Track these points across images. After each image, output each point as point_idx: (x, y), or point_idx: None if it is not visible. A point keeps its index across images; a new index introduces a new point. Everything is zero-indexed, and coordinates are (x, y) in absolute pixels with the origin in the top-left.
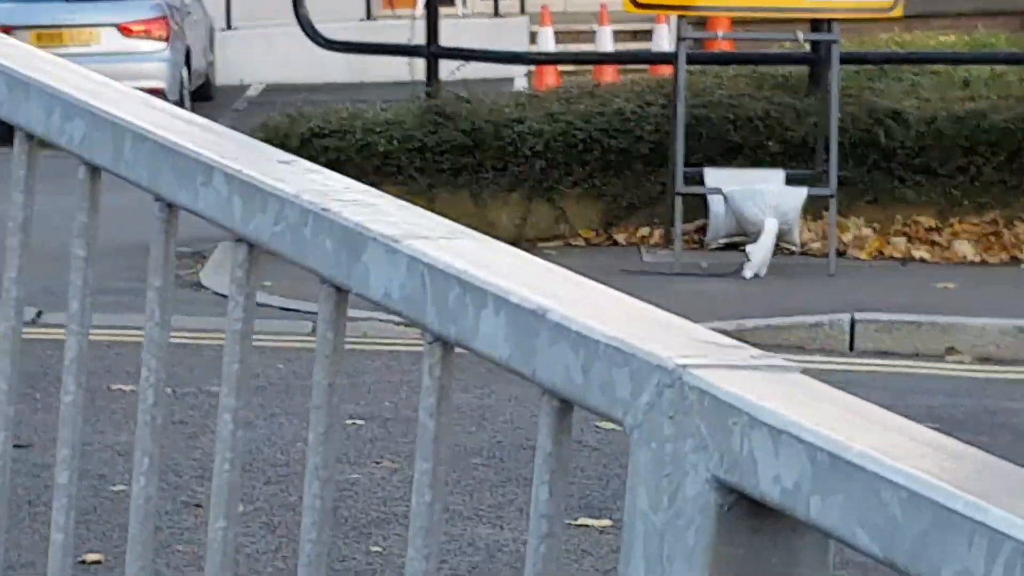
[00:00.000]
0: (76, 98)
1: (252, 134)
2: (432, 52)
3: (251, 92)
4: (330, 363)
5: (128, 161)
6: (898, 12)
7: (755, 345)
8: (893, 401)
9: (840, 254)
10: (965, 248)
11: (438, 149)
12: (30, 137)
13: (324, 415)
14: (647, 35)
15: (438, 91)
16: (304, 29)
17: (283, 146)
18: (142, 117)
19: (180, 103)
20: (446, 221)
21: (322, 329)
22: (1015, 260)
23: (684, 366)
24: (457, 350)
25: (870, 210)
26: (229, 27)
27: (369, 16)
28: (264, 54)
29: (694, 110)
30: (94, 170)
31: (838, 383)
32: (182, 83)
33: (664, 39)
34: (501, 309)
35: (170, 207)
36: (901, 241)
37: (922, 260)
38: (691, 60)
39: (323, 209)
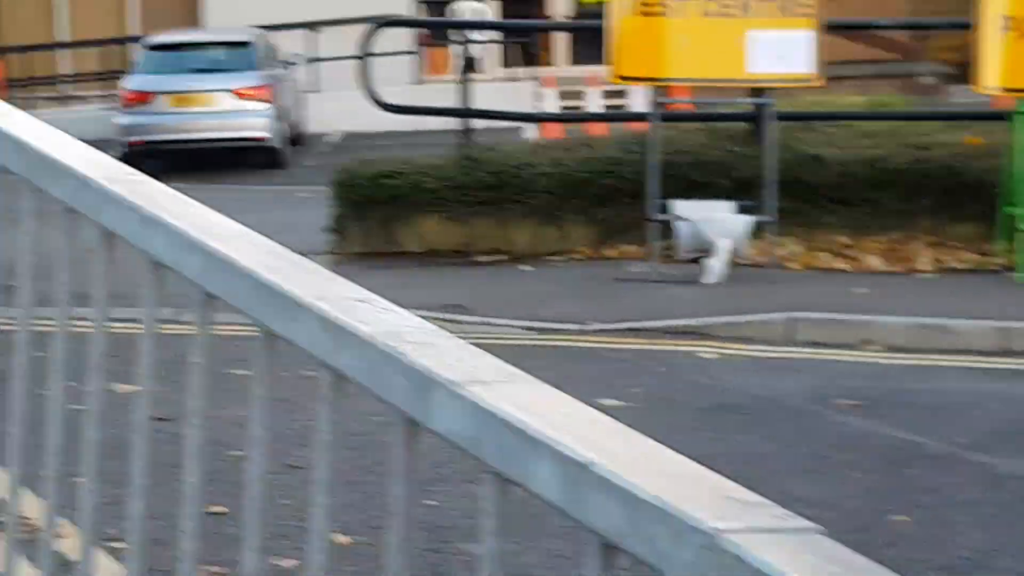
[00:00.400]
0: (193, 236)
1: (335, 174)
2: (466, 112)
3: (332, 139)
4: (405, 488)
5: (236, 293)
6: (819, 81)
7: (716, 337)
8: (825, 382)
9: (778, 266)
10: (874, 261)
11: (472, 186)
12: (157, 265)
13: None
14: (623, 95)
15: (471, 141)
16: (368, 97)
17: (356, 185)
18: (247, 255)
19: (280, 148)
20: (502, 364)
21: (398, 455)
22: (912, 270)
23: (721, 531)
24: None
25: (800, 232)
26: (314, 91)
27: (417, 80)
28: (341, 110)
29: (665, 156)
30: (209, 297)
31: (781, 368)
32: (280, 132)
33: (638, 98)
34: (552, 457)
35: (269, 335)
36: (825, 256)
37: (841, 270)
38: (662, 118)
39: (398, 352)
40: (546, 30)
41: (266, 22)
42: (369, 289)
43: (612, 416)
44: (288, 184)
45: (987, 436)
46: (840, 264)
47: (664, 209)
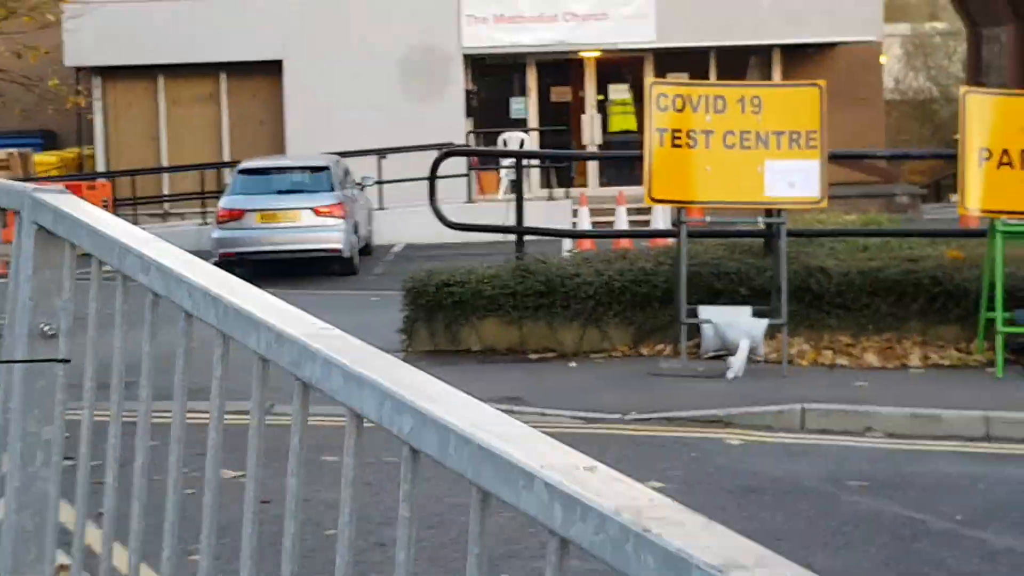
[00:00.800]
0: (405, 397)
1: (406, 282)
2: (520, 230)
3: (396, 249)
4: None
5: (453, 455)
6: (824, 203)
7: (738, 425)
8: (835, 466)
9: (789, 363)
10: (871, 358)
11: (524, 293)
12: (358, 417)
13: None
14: (647, 212)
15: (523, 254)
16: (436, 215)
17: (424, 292)
18: (464, 419)
19: (352, 258)
20: (755, 546)
21: None
22: (904, 366)
23: None
24: None
25: (807, 332)
26: (381, 208)
27: (470, 199)
28: (404, 224)
29: (691, 267)
30: (415, 453)
31: (797, 452)
32: (352, 245)
33: (660, 215)
34: None
35: (485, 496)
36: (828, 353)
37: (843, 366)
38: (689, 234)
39: (644, 530)
40: (580, 159)
41: (341, 149)
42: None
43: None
44: (360, 289)
45: (980, 514)
46: (842, 360)
47: (692, 313)
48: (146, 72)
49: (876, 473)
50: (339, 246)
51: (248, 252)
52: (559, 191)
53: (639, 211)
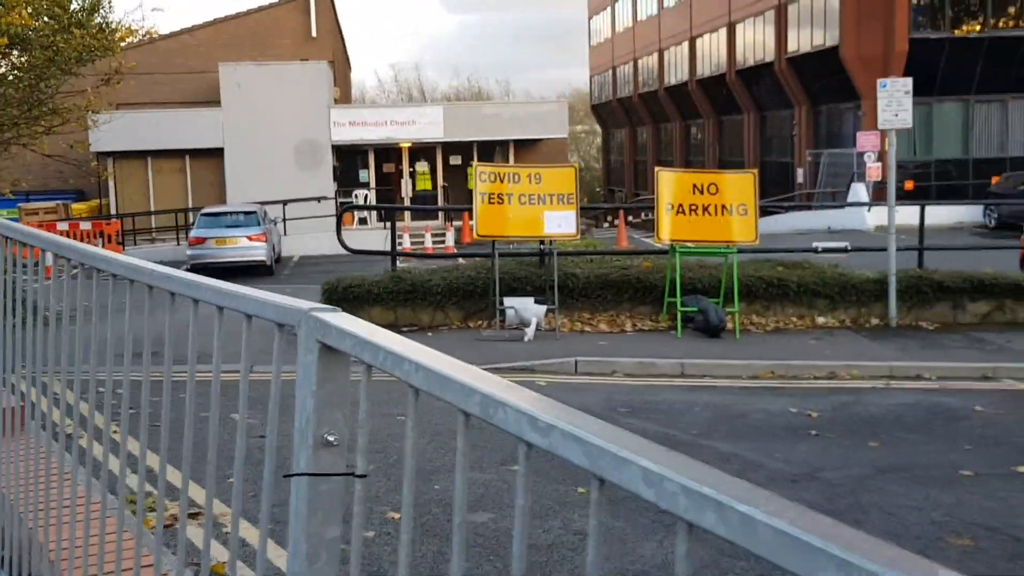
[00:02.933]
0: (655, 470)
1: (324, 284)
2: (394, 254)
3: (294, 259)
4: None
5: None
6: (578, 237)
7: (537, 371)
8: (604, 398)
9: (557, 330)
10: (603, 326)
11: (398, 291)
12: (602, 482)
13: None
14: (443, 236)
15: (395, 268)
16: (340, 243)
17: (335, 290)
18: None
19: (271, 265)
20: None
21: None
22: (622, 330)
23: None
24: None
25: (566, 312)
26: (285, 234)
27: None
28: (299, 244)
29: (499, 274)
30: (691, 528)
31: (581, 389)
32: (271, 257)
33: (450, 237)
34: None
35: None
36: (579, 324)
37: (588, 331)
38: (499, 255)
39: None
40: (401, 210)
41: (260, 200)
42: None
43: None
44: (277, 284)
45: (705, 429)
46: (587, 328)
47: (500, 302)
48: (140, 155)
49: (631, 402)
50: (264, 259)
51: (209, 263)
52: (387, 224)
53: (437, 235)
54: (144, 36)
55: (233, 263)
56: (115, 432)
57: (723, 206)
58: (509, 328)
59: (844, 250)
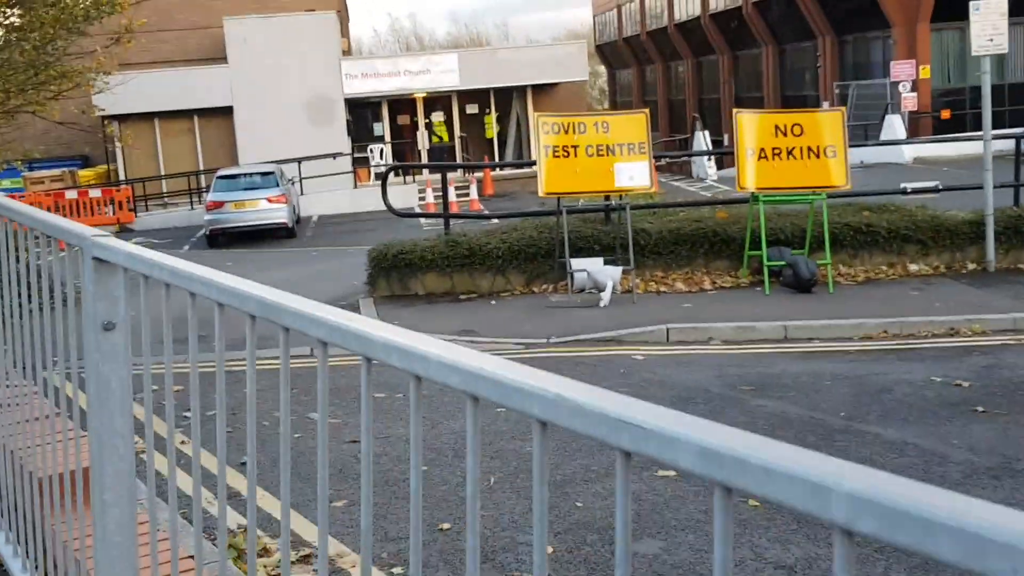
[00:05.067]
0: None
1: (371, 251)
2: (447, 216)
3: (313, 219)
4: None
5: None
6: (654, 190)
7: (624, 342)
8: (716, 372)
9: (632, 292)
10: (680, 285)
11: (454, 256)
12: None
13: None
14: (467, 189)
15: (450, 231)
16: (387, 207)
17: (383, 257)
18: None
19: (292, 227)
20: None
21: None
22: (701, 289)
23: None
24: None
25: (637, 272)
26: (303, 194)
27: (355, 186)
28: (317, 203)
29: (560, 233)
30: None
31: (683, 362)
32: (292, 219)
33: (473, 189)
34: None
35: None
36: (653, 284)
37: (664, 292)
38: (566, 211)
39: None
40: (466, 167)
41: (272, 159)
42: (399, 319)
43: None
44: (300, 247)
45: (852, 409)
46: (663, 288)
47: (569, 265)
48: (147, 116)
49: (747, 376)
50: (286, 221)
51: (228, 227)
52: (409, 179)
53: (460, 188)
54: None
55: (254, 227)
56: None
57: (809, 148)
58: (579, 292)
59: (936, 190)
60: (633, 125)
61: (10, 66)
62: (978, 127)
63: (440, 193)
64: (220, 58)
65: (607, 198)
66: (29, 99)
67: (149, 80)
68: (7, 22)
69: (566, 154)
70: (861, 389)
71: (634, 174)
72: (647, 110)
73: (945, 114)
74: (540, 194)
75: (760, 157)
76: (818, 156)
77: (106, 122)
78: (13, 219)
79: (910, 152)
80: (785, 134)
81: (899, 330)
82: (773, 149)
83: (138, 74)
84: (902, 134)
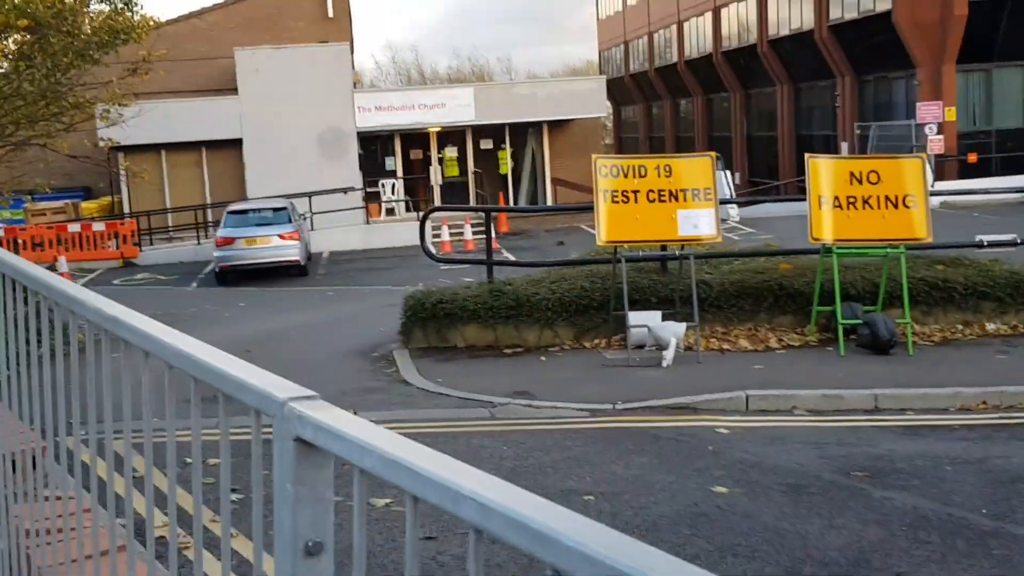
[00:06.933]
0: None
1: (407, 299)
2: (490, 263)
3: (324, 256)
4: None
5: None
6: (719, 239)
7: (700, 409)
8: (815, 451)
9: (689, 349)
10: (744, 342)
11: (498, 307)
12: None
13: None
14: (481, 227)
15: (493, 279)
16: (426, 253)
17: (420, 307)
18: None
19: (304, 265)
20: None
21: None
22: (768, 348)
23: None
24: None
25: (712, 328)
26: (312, 229)
27: (367, 222)
28: (328, 239)
29: (615, 285)
30: None
31: (775, 437)
32: (304, 256)
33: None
34: None
35: None
36: (714, 341)
37: (727, 350)
38: (623, 260)
39: None
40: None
41: (281, 194)
42: (442, 376)
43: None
44: (314, 286)
45: (992, 505)
46: (725, 346)
47: (626, 319)
48: (153, 148)
49: (854, 457)
50: (298, 259)
51: (239, 265)
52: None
53: (476, 226)
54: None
55: (265, 264)
56: None
57: (887, 197)
58: (636, 348)
59: (1013, 244)
60: (698, 169)
61: (20, 96)
62: (1006, 171)
63: (457, 231)
64: (228, 89)
65: (663, 247)
66: (39, 131)
67: (155, 110)
68: (16, 48)
69: (626, 199)
70: (991, 477)
71: (699, 222)
72: (714, 153)
73: (972, 158)
74: (599, 242)
75: (835, 206)
76: (896, 206)
77: (120, 155)
78: (193, 374)
79: (936, 198)
80: (861, 182)
81: (999, 400)
82: (848, 198)
83: (145, 103)
84: (929, 177)
